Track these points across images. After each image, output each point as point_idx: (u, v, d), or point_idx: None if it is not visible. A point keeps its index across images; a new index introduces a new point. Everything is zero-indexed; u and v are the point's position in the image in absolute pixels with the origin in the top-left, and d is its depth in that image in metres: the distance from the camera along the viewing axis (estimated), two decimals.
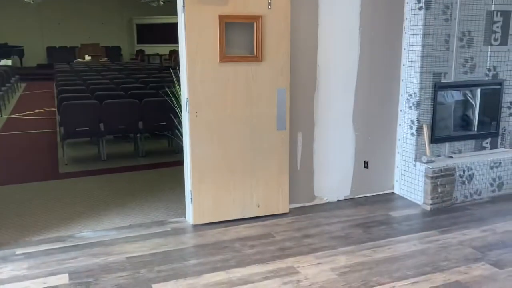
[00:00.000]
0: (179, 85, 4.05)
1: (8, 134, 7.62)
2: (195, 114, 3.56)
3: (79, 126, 5.70)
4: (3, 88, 10.49)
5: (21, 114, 9.61)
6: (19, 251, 3.30)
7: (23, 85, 14.52)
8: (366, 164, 4.32)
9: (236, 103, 3.63)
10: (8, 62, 15.27)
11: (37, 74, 16.25)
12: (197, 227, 3.71)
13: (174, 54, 17.65)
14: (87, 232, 3.64)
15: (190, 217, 3.76)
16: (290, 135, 3.86)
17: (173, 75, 4.95)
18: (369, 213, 4.01)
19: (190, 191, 3.69)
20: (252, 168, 3.76)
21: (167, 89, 5.26)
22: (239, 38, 3.62)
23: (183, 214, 3.96)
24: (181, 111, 3.99)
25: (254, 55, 3.62)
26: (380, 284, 2.84)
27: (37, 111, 9.86)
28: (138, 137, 6.17)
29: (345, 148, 4.22)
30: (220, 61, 3.53)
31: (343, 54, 4.05)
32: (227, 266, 3.08)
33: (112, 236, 3.55)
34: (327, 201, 4.23)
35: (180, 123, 4.94)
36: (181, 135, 4.28)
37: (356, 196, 4.36)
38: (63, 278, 2.91)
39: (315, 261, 3.14)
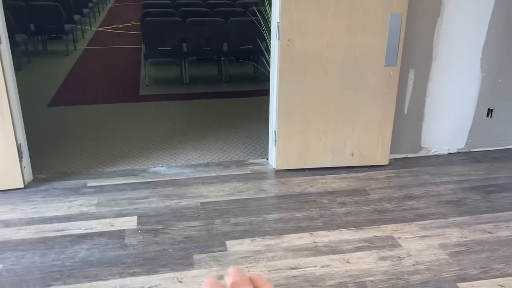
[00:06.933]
0: (270, 4, 3.42)
1: (94, 49, 7.53)
2: (287, 42, 2.96)
3: (161, 45, 5.32)
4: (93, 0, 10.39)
5: (109, 27, 9.51)
6: (90, 183, 3.09)
7: None
8: (490, 112, 3.52)
9: (337, 31, 2.96)
10: None
11: None
12: (280, 172, 3.26)
13: None
14: (161, 167, 3.34)
15: (273, 161, 3.31)
16: (400, 73, 3.16)
17: None
18: (489, 173, 3.29)
19: (275, 132, 3.20)
20: (349, 110, 3.16)
21: (254, 8, 4.63)
22: None
23: (265, 154, 3.53)
24: (269, 35, 3.41)
25: None
26: (506, 276, 2.25)
27: (125, 24, 9.71)
28: (222, 60, 5.70)
29: (467, 91, 3.43)
30: None
31: None
32: (312, 227, 2.63)
33: (188, 175, 3.22)
34: (436, 153, 3.56)
35: (267, 48, 4.35)
36: (268, 63, 3.73)
37: (472, 150, 3.62)
38: (131, 222, 2.65)
39: (420, 232, 2.59)
